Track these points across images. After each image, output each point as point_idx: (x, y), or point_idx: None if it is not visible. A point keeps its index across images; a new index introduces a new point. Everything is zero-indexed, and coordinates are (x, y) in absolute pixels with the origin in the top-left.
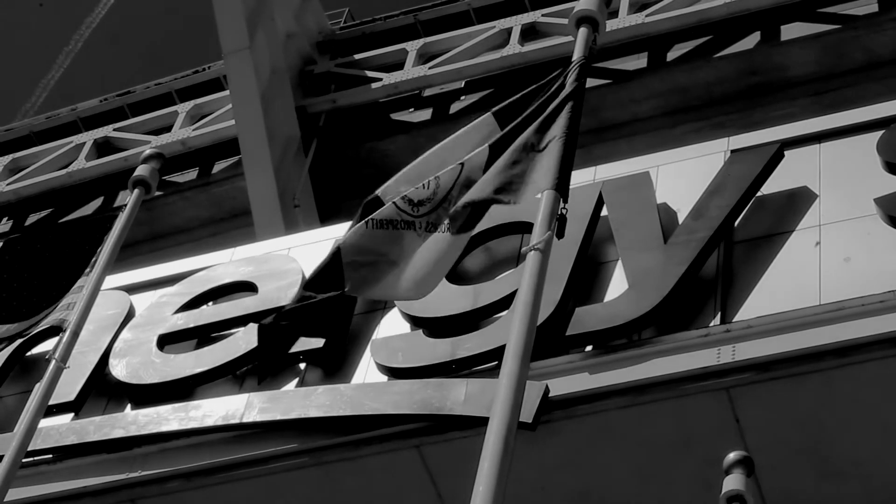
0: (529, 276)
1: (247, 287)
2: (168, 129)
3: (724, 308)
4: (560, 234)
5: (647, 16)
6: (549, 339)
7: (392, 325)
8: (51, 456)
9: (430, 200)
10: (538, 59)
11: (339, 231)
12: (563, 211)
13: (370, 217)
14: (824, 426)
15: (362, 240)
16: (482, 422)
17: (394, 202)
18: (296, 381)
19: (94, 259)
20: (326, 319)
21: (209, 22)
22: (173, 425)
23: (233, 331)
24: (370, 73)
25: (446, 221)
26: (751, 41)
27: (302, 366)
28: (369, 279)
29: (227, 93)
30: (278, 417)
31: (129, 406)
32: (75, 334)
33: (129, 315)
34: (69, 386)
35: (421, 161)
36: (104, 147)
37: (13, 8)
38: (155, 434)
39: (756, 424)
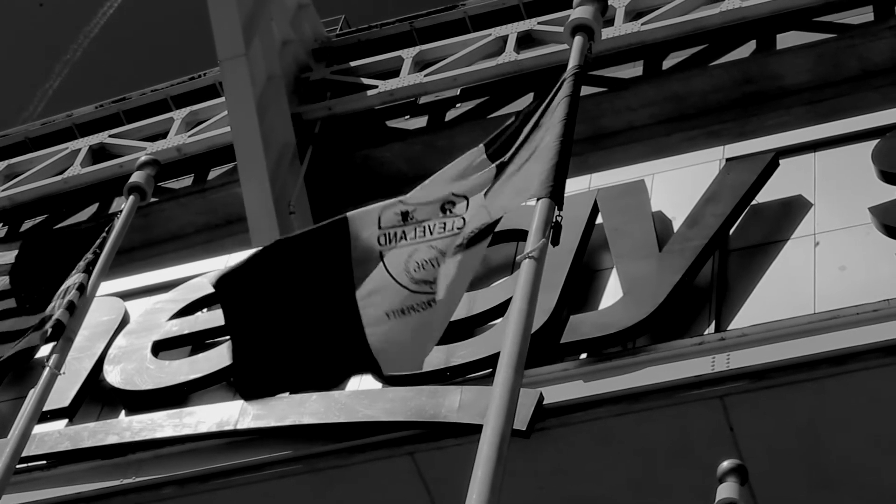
0: (524, 284)
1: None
2: (163, 135)
3: (719, 316)
4: (555, 242)
5: (642, 24)
6: (543, 347)
7: None
8: (45, 462)
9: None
10: (534, 66)
11: None
12: (558, 219)
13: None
14: (819, 435)
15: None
16: (476, 429)
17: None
18: None
19: (87, 263)
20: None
21: (205, 28)
22: (167, 432)
23: (227, 337)
24: (366, 81)
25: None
26: (746, 50)
27: None
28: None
29: (222, 99)
30: (272, 424)
31: (123, 412)
32: (69, 340)
33: (124, 321)
34: (63, 392)
35: None
36: (99, 153)
37: (13, 8)
38: (149, 440)
39: (750, 433)
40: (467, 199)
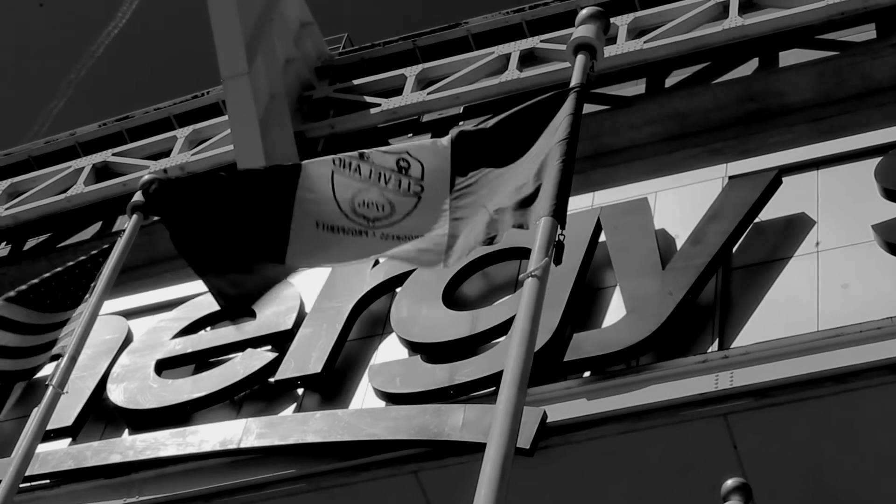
0: (527, 303)
1: (245, 312)
2: (167, 154)
3: (722, 334)
4: (558, 261)
5: (645, 42)
6: (546, 365)
7: (390, 350)
8: (48, 481)
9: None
10: (536, 84)
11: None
12: (561, 237)
13: (320, 221)
14: (822, 452)
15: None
16: (479, 448)
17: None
18: (293, 406)
19: (92, 284)
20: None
21: (208, 47)
22: (171, 450)
23: (230, 356)
24: (369, 99)
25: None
26: (749, 67)
27: (300, 391)
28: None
29: (225, 118)
30: (276, 443)
31: (126, 431)
32: (73, 359)
33: (128, 340)
34: (67, 411)
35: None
36: (103, 172)
37: (13, 9)
38: (152, 459)
39: (754, 450)
40: (422, 164)
